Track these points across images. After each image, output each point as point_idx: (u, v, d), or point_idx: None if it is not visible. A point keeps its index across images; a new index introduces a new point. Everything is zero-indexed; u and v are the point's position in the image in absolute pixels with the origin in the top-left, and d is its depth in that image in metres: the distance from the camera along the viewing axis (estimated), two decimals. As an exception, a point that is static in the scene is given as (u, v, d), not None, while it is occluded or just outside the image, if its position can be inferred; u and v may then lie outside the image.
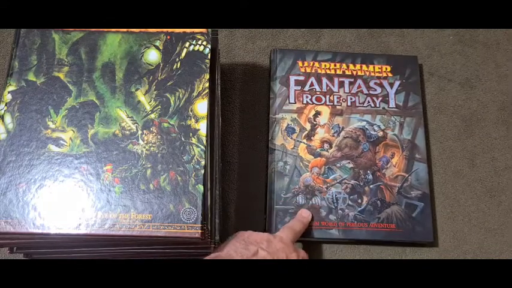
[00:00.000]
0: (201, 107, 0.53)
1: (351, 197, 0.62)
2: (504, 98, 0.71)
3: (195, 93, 0.54)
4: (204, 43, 0.57)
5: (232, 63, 0.71)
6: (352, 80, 0.69)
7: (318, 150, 0.65)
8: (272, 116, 0.66)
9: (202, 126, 0.52)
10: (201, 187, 0.50)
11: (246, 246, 0.51)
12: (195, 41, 0.57)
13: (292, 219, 0.60)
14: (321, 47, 0.73)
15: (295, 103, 0.67)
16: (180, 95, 0.54)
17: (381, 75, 0.69)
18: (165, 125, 0.52)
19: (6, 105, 0.52)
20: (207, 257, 0.50)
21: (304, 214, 0.60)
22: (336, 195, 0.62)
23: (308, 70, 0.69)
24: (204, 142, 0.52)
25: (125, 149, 0.51)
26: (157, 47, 0.56)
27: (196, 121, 0.53)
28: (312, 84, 0.68)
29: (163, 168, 0.50)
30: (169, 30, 0.57)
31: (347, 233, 0.61)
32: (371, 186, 0.63)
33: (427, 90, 0.71)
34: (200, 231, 0.48)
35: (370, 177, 0.63)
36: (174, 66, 0.55)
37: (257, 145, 0.66)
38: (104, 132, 0.52)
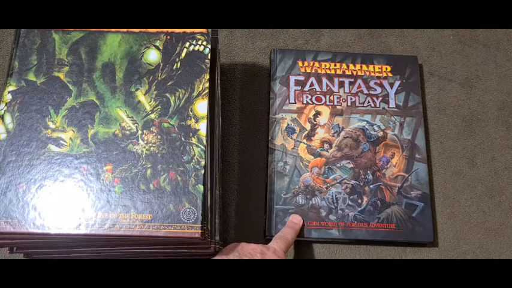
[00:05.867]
0: (201, 107, 0.53)
1: (351, 197, 0.62)
2: (504, 98, 0.71)
3: (195, 93, 0.54)
4: (204, 43, 0.57)
5: (232, 63, 0.71)
6: (352, 80, 0.69)
7: (318, 150, 0.65)
8: (272, 116, 0.66)
9: (202, 126, 0.53)
10: (201, 187, 0.50)
11: (239, 258, 0.51)
12: (195, 41, 0.57)
13: (284, 226, 0.60)
14: (321, 47, 0.73)
15: (295, 103, 0.67)
16: (180, 95, 0.54)
17: (381, 75, 0.69)
18: (165, 125, 0.52)
19: (6, 105, 0.53)
20: None
21: (295, 220, 0.60)
22: (336, 195, 0.62)
23: (308, 70, 0.69)
24: (204, 142, 0.52)
25: (125, 149, 0.51)
26: (157, 47, 0.56)
27: (196, 121, 0.53)
28: (312, 84, 0.68)
29: (163, 168, 0.50)
30: (169, 30, 0.57)
31: (347, 233, 0.61)
32: (371, 186, 0.63)
33: (427, 90, 0.71)
34: (200, 231, 0.48)
35: (370, 177, 0.63)
36: (174, 66, 0.55)
37: (257, 145, 0.66)
38: (104, 132, 0.52)
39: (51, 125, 0.52)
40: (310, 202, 0.62)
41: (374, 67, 0.70)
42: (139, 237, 0.48)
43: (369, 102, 0.67)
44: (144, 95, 0.54)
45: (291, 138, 0.65)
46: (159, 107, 0.53)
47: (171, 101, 0.54)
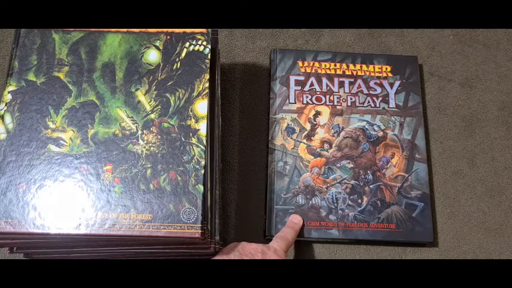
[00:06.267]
0: (201, 107, 0.53)
1: (351, 197, 0.62)
2: (504, 98, 0.71)
3: (195, 93, 0.54)
4: (204, 43, 0.57)
5: (232, 63, 0.71)
6: (352, 80, 0.69)
7: (318, 150, 0.65)
8: (272, 116, 0.66)
9: (202, 126, 0.53)
10: (201, 187, 0.50)
11: (240, 258, 0.51)
12: (195, 41, 0.57)
13: (284, 226, 0.60)
14: (321, 47, 0.73)
15: (295, 103, 0.67)
16: (180, 95, 0.54)
17: (381, 75, 0.69)
18: (165, 125, 0.52)
19: (6, 105, 0.53)
20: None
21: (295, 220, 0.60)
22: (336, 195, 0.62)
23: (308, 70, 0.69)
24: (204, 142, 0.52)
25: (125, 149, 0.51)
26: (157, 47, 0.56)
27: (196, 121, 0.53)
28: (312, 84, 0.68)
29: (163, 168, 0.50)
30: (169, 30, 0.57)
31: (347, 233, 0.61)
32: (371, 186, 0.63)
33: (427, 90, 0.71)
34: (200, 231, 0.48)
35: (370, 177, 0.63)
36: (174, 66, 0.55)
37: (257, 145, 0.66)
38: (104, 132, 0.52)
39: (51, 125, 0.52)
40: (310, 202, 0.62)
41: (374, 67, 0.70)
42: (139, 237, 0.48)
43: (369, 102, 0.67)
44: (144, 95, 0.54)
45: (291, 138, 0.65)
46: (159, 107, 0.53)
47: (171, 101, 0.54)
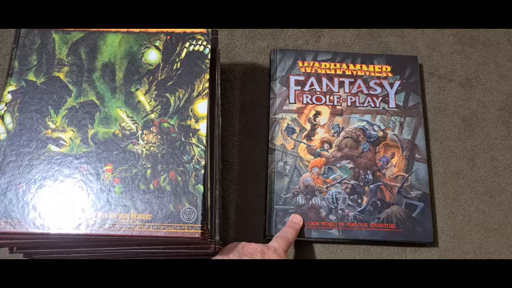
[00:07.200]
0: (201, 107, 0.53)
1: (351, 197, 0.62)
2: (504, 98, 0.71)
3: (195, 93, 0.54)
4: (204, 43, 0.57)
5: (232, 63, 0.71)
6: (352, 80, 0.69)
7: (318, 150, 0.65)
8: (272, 116, 0.66)
9: (202, 126, 0.53)
10: (201, 187, 0.50)
11: (240, 258, 0.51)
12: (195, 41, 0.57)
13: (284, 226, 0.60)
14: (321, 47, 0.73)
15: (295, 103, 0.67)
16: (180, 95, 0.54)
17: (381, 75, 0.69)
18: (165, 125, 0.53)
19: (6, 105, 0.53)
20: None
21: (296, 220, 0.60)
22: (336, 195, 0.62)
23: (308, 70, 0.69)
24: (204, 142, 0.52)
25: (125, 149, 0.51)
26: (157, 47, 0.56)
27: (196, 121, 0.53)
28: (312, 84, 0.68)
29: (163, 168, 0.50)
30: (169, 30, 0.57)
31: (347, 233, 0.61)
32: (371, 186, 0.63)
33: (427, 90, 0.71)
34: (200, 231, 0.48)
35: (370, 177, 0.63)
36: (174, 66, 0.55)
37: (257, 145, 0.66)
38: (104, 132, 0.52)
39: (51, 125, 0.52)
40: (310, 202, 0.62)
41: (374, 67, 0.70)
42: (139, 237, 0.48)
43: (369, 102, 0.67)
44: (144, 95, 0.54)
45: (291, 138, 0.65)
46: (159, 107, 0.53)
47: (171, 101, 0.54)
